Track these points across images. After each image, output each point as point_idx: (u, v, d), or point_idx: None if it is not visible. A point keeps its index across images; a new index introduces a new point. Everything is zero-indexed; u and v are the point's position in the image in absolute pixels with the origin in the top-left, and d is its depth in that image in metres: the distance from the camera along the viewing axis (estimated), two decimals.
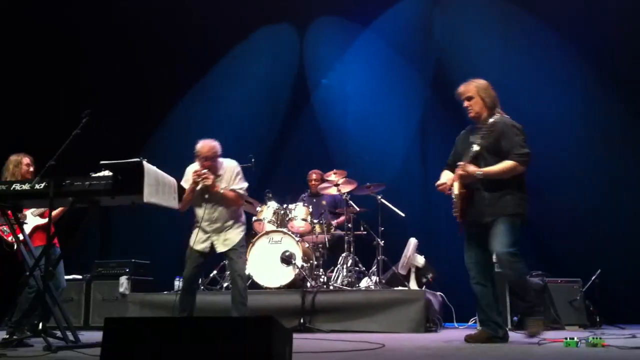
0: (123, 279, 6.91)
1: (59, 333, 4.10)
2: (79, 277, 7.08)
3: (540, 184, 7.69)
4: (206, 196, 5.25)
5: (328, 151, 8.45)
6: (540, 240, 7.48)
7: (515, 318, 6.37)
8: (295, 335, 5.17)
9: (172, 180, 4.13)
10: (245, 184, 5.41)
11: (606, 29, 7.72)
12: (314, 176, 7.53)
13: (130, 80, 8.77)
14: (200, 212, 5.30)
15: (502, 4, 8.34)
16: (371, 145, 8.55)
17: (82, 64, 8.81)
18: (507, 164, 4.35)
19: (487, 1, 8.41)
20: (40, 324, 4.03)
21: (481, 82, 4.60)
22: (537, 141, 7.70)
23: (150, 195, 3.85)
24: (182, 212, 5.25)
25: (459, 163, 4.46)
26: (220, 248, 5.30)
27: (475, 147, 4.42)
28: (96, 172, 3.85)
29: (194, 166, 5.36)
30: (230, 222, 5.33)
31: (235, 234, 5.33)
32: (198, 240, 5.31)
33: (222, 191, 5.26)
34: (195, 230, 5.32)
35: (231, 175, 5.35)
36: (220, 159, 5.37)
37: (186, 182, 5.30)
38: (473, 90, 4.56)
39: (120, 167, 3.85)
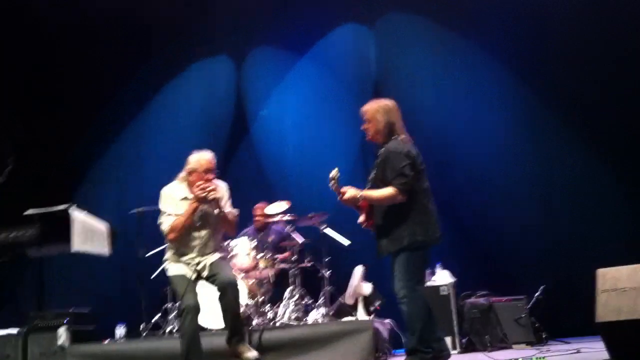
0: (61, 331, 6.59)
1: None
2: (14, 331, 6.74)
3: (482, 203, 7.82)
4: (199, 222, 4.71)
5: (269, 183, 8.38)
6: (483, 259, 7.56)
7: (463, 340, 6.39)
8: None
9: (103, 226, 3.96)
10: (237, 210, 4.98)
11: (539, 43, 7.89)
12: (258, 211, 7.42)
13: (58, 119, 8.52)
14: (188, 243, 4.75)
15: (434, 27, 8.49)
16: (312, 174, 8.51)
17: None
18: (386, 191, 4.26)
19: (421, 26, 8.54)
20: None
21: (382, 104, 4.49)
22: (476, 159, 7.95)
23: (79, 244, 3.68)
24: (175, 240, 4.69)
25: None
26: (204, 271, 4.78)
27: (371, 177, 4.43)
28: (17, 223, 3.67)
29: (171, 187, 4.85)
30: (217, 249, 4.90)
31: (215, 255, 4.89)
32: (186, 269, 4.78)
33: (227, 210, 4.73)
34: (177, 263, 4.79)
35: (224, 197, 4.86)
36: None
37: (171, 205, 4.72)
38: (370, 112, 4.48)
39: (46, 216, 3.68)
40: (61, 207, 3.72)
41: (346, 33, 8.85)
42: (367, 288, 6.72)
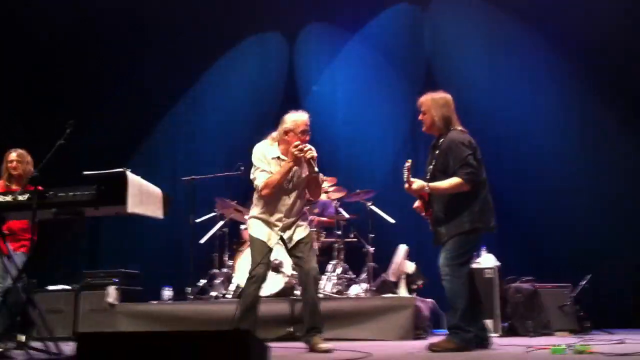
0: (111, 289, 6.83)
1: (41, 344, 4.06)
2: (68, 287, 7.02)
3: (531, 189, 7.73)
4: (290, 185, 4.59)
5: (318, 158, 8.44)
6: (530, 245, 7.50)
7: (505, 324, 6.37)
8: (283, 345, 5.23)
9: (157, 190, 4.09)
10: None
11: (591, 31, 7.73)
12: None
13: (117, 88, 8.73)
14: (275, 203, 4.61)
15: (488, 9, 8.38)
16: (361, 152, 8.55)
17: (75, 68, 8.72)
18: (453, 180, 4.33)
19: (473, 7, 8.45)
20: (24, 336, 4.00)
21: (438, 97, 4.54)
22: (527, 145, 7.85)
23: (134, 206, 3.81)
24: (267, 197, 4.55)
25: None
26: (290, 242, 4.65)
27: (430, 167, 4.50)
28: (79, 183, 3.81)
29: (263, 145, 4.70)
30: (301, 217, 4.74)
31: (305, 230, 4.72)
32: (269, 234, 4.64)
33: (320, 175, 4.59)
34: (261, 223, 4.66)
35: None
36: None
37: (263, 162, 4.60)
38: (426, 104, 4.54)
39: (103, 177, 3.81)
40: (117, 170, 3.86)
41: (398, 13, 8.80)
42: (410, 266, 6.75)
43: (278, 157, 4.68)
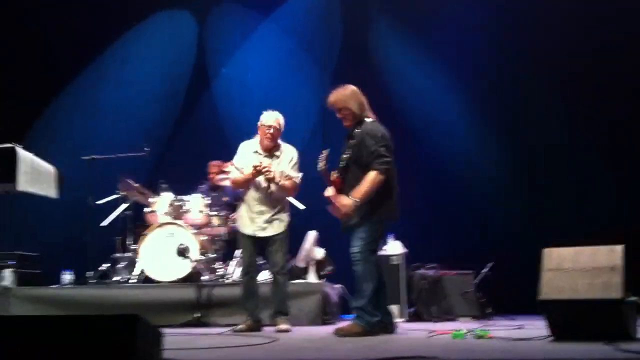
0: (7, 272, 6.47)
1: None
2: None
3: (437, 178, 7.89)
4: (256, 188, 5.14)
5: (227, 141, 8.29)
6: (434, 232, 7.64)
7: (411, 309, 6.49)
8: (189, 330, 5.13)
9: (51, 168, 3.87)
10: (300, 174, 5.22)
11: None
12: (213, 168, 7.32)
13: (14, 58, 8.21)
14: (250, 193, 5.15)
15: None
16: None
17: None
18: (370, 176, 4.42)
19: None
20: None
21: (348, 91, 4.65)
22: (433, 134, 7.99)
23: (25, 184, 3.60)
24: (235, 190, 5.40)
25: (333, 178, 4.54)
26: (262, 233, 5.14)
27: (344, 157, 4.58)
28: None
29: (250, 141, 5.27)
30: (279, 206, 5.18)
31: (281, 219, 5.19)
32: (245, 224, 5.19)
33: (280, 183, 5.09)
34: (243, 212, 5.21)
35: (289, 161, 5.19)
36: (280, 141, 5.25)
37: (240, 162, 5.19)
38: (341, 100, 4.62)
39: None
40: (7, 145, 3.62)
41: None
42: (319, 253, 6.75)
43: (257, 151, 5.25)
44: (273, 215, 5.17)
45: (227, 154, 7.16)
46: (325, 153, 4.51)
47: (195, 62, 8.89)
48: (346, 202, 4.44)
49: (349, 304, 6.77)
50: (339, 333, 4.41)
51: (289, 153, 5.26)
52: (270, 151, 5.23)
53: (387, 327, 4.59)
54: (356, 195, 4.42)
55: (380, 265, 4.73)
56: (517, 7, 7.72)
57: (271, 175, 5.06)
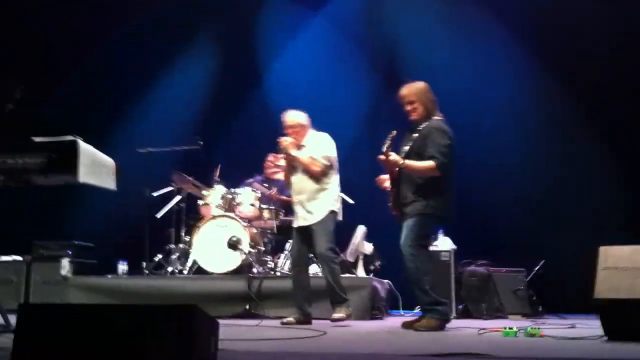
0: (65, 261, 6.67)
1: None
2: (19, 258, 6.83)
3: (487, 175, 7.78)
4: (293, 167, 5.31)
5: (277, 135, 8.37)
6: (485, 230, 7.55)
7: (460, 306, 6.44)
8: (239, 322, 5.21)
9: (110, 161, 3.97)
10: (330, 154, 5.29)
11: (559, 25, 7.78)
12: (270, 158, 7.36)
13: (80, 57, 8.48)
14: (292, 184, 5.35)
15: None
16: (321, 130, 8.46)
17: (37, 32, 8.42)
18: (427, 163, 4.54)
19: None
20: None
21: (421, 86, 4.78)
22: (485, 132, 7.89)
23: (85, 176, 3.69)
24: (287, 184, 5.52)
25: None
26: (303, 222, 5.23)
27: (405, 148, 4.68)
28: (24, 150, 3.67)
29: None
30: (316, 194, 5.23)
31: (319, 208, 5.22)
32: (294, 217, 5.36)
33: (294, 154, 5.22)
34: (293, 206, 5.40)
35: (316, 145, 5.31)
36: (311, 131, 5.40)
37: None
38: (414, 94, 4.73)
39: (53, 145, 3.68)
40: (69, 137, 3.73)
41: None
42: (368, 247, 6.77)
43: None
44: (310, 205, 5.23)
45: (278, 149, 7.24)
46: (393, 134, 4.55)
47: (247, 56, 8.97)
48: (395, 156, 4.55)
49: (398, 300, 6.82)
50: (418, 328, 4.45)
51: (316, 138, 5.38)
52: (299, 147, 5.36)
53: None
54: (407, 162, 4.56)
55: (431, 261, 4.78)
56: None
57: (282, 145, 5.25)
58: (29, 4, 8.33)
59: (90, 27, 8.56)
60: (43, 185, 3.92)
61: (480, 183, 7.79)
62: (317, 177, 5.25)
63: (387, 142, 4.53)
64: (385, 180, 4.81)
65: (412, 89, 4.76)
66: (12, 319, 3.77)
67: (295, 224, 5.34)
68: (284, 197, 7.01)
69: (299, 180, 5.30)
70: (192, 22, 8.96)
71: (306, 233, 5.25)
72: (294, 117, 5.41)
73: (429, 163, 4.53)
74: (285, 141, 5.30)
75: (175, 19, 8.72)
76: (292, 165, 5.34)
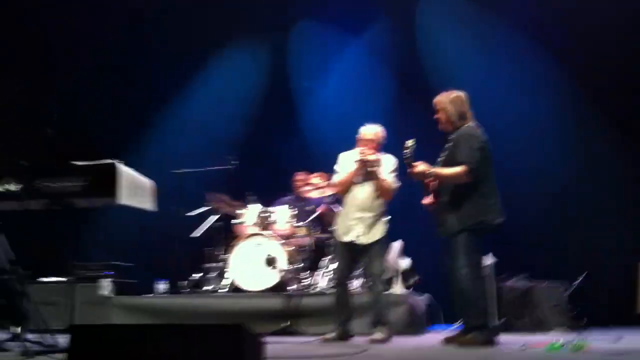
0: (105, 282, 6.76)
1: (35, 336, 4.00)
2: (62, 279, 6.93)
3: (526, 186, 7.69)
4: (361, 183, 5.19)
5: (309, 153, 8.38)
6: (525, 243, 7.45)
7: (501, 320, 6.33)
8: (277, 339, 5.20)
9: (149, 182, 4.04)
10: (396, 181, 5.25)
11: (580, 34, 7.72)
12: (299, 177, 7.40)
13: (107, 79, 8.65)
14: (349, 198, 5.22)
15: (478, 9, 8.33)
16: (351, 148, 8.48)
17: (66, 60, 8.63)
18: (455, 169, 4.47)
19: (464, 9, 8.39)
20: (19, 328, 3.92)
21: (452, 95, 4.72)
22: (518, 143, 7.82)
23: (124, 198, 3.77)
24: (341, 193, 5.36)
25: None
26: (362, 240, 5.14)
27: (440, 160, 4.65)
28: (67, 174, 3.75)
29: (348, 154, 5.33)
30: (377, 215, 5.19)
31: (379, 228, 5.19)
32: (343, 232, 5.22)
33: (380, 176, 5.12)
34: (340, 220, 5.28)
35: (387, 168, 5.22)
36: (380, 153, 5.29)
37: (342, 166, 5.31)
38: (441, 102, 4.70)
39: (93, 168, 3.76)
40: (108, 160, 3.81)
41: (392, 18, 8.70)
42: (404, 263, 6.71)
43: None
44: (371, 223, 5.16)
45: (310, 167, 7.27)
46: (410, 143, 4.49)
47: (280, 77, 9.03)
48: (422, 167, 4.51)
49: (439, 313, 6.74)
50: (463, 343, 4.38)
51: (387, 161, 5.27)
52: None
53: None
54: (435, 170, 4.53)
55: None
56: None
57: (372, 157, 5.12)
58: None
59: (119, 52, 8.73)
60: (83, 207, 4.00)
61: (518, 195, 7.70)
62: (382, 199, 5.21)
63: (406, 153, 4.48)
64: (429, 201, 4.72)
65: (441, 97, 4.73)
66: (57, 338, 3.84)
67: (347, 239, 5.22)
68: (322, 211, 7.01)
69: (365, 197, 5.18)
70: (227, 41, 9.06)
71: (356, 250, 5.19)
72: (373, 130, 5.31)
73: (458, 168, 4.45)
74: (371, 156, 5.14)
75: (204, 37, 8.82)
76: (356, 178, 5.21)
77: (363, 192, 5.19)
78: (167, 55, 8.77)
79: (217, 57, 9.11)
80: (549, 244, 7.50)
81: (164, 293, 6.79)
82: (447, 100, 4.68)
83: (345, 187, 5.27)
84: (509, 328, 6.22)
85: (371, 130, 5.30)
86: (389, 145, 7.96)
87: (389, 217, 5.33)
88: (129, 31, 8.67)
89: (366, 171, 5.16)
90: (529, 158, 7.79)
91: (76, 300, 6.68)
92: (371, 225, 5.16)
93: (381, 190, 5.17)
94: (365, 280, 5.38)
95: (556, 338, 4.70)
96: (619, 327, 5.87)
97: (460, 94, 4.73)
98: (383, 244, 5.24)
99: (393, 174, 5.23)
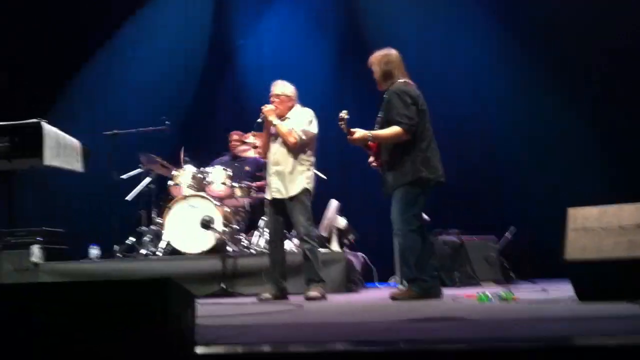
0: (35, 248, 6.56)
1: None
2: None
3: (457, 143, 7.83)
4: (275, 139, 5.25)
5: (245, 113, 8.30)
6: (456, 198, 7.60)
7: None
8: (215, 300, 5.19)
9: (76, 142, 3.91)
10: (310, 130, 5.21)
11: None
12: (235, 137, 7.32)
13: (30, 37, 8.26)
14: (269, 155, 5.29)
15: None
16: None
17: None
18: (392, 129, 4.53)
19: None
20: None
21: (382, 53, 4.77)
22: (455, 99, 7.94)
23: (51, 159, 3.64)
24: (263, 153, 5.42)
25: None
26: (280, 195, 5.17)
27: (377, 124, 4.70)
28: None
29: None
30: (295, 169, 5.18)
31: (295, 183, 5.16)
32: (267, 189, 5.30)
33: (274, 122, 5.18)
34: (266, 179, 5.35)
35: (299, 119, 5.23)
36: (297, 106, 5.35)
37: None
38: (373, 61, 4.77)
39: (17, 128, 3.61)
40: (33, 120, 3.66)
41: None
42: (341, 221, 6.78)
43: None
44: (289, 177, 5.17)
45: (246, 126, 7.21)
46: (343, 114, 4.54)
47: (213, 35, 8.86)
48: (360, 132, 4.57)
49: (373, 272, 6.87)
50: (395, 297, 4.49)
51: (300, 113, 5.31)
52: (282, 118, 5.29)
53: (434, 291, 4.59)
54: (373, 133, 4.59)
55: (424, 231, 4.70)
56: None
57: (265, 109, 5.21)
58: None
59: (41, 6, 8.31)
60: (6, 169, 3.85)
61: (450, 150, 7.84)
62: (294, 151, 5.20)
63: (341, 124, 4.53)
64: (375, 161, 4.78)
65: (372, 58, 4.78)
66: None
67: (269, 196, 5.27)
68: (259, 183, 6.99)
69: (278, 152, 5.24)
70: None
71: (281, 206, 5.21)
72: (280, 87, 5.36)
73: (395, 129, 4.50)
74: (267, 107, 5.25)
75: None
76: (271, 135, 5.29)
77: (276, 147, 5.27)
78: (95, 5, 8.39)
79: (149, 11, 8.83)
80: (480, 198, 7.68)
81: (97, 258, 6.66)
82: (376, 59, 4.74)
83: (265, 146, 5.39)
84: (441, 282, 6.36)
85: (277, 87, 5.37)
86: (327, 103, 8.02)
87: (312, 171, 5.33)
88: None
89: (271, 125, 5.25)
90: (461, 112, 7.91)
91: (4, 268, 6.50)
92: (290, 180, 5.17)
93: (284, 141, 5.20)
94: (298, 238, 5.40)
95: (486, 290, 4.88)
96: (547, 278, 6.12)
97: (389, 51, 4.76)
98: (305, 198, 5.19)
99: (305, 122, 5.24)
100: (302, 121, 5.24)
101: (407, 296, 4.48)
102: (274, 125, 5.23)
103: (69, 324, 1.93)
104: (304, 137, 5.18)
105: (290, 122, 5.25)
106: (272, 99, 5.34)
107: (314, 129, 5.27)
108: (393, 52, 4.78)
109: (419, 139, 4.56)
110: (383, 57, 4.73)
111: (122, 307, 1.92)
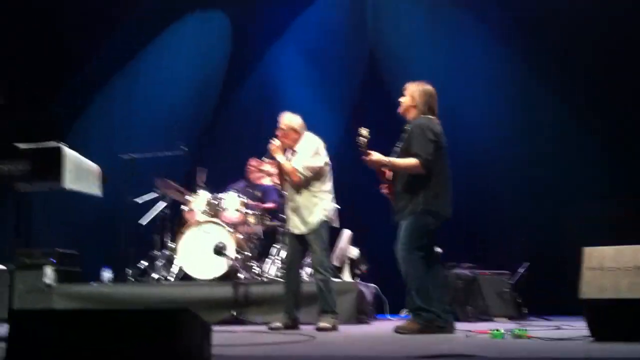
0: (48, 269, 6.59)
1: None
2: (2, 267, 6.73)
3: (471, 177, 7.81)
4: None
5: (261, 139, 8.35)
6: (470, 233, 7.59)
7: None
8: (226, 328, 5.18)
9: (95, 166, 3.95)
10: (313, 164, 5.15)
11: (537, 20, 7.87)
12: (252, 163, 7.32)
13: (51, 59, 8.37)
14: (286, 187, 5.33)
15: None
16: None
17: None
18: (410, 161, 4.56)
19: None
20: None
21: (422, 86, 4.79)
22: (467, 134, 7.94)
23: (70, 182, 3.68)
24: (282, 186, 5.39)
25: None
26: (298, 230, 5.19)
27: (397, 148, 4.72)
28: (9, 156, 3.64)
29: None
30: (307, 203, 5.16)
31: (312, 217, 5.14)
32: (287, 221, 5.32)
33: (279, 160, 5.19)
34: (286, 209, 5.36)
35: (304, 153, 5.19)
36: (306, 135, 5.29)
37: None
38: (410, 89, 4.78)
39: (37, 151, 3.66)
40: (53, 143, 3.71)
41: None
42: (354, 251, 6.77)
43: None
44: (305, 212, 5.17)
45: (263, 150, 7.23)
46: (364, 132, 4.56)
47: (229, 61, 8.95)
48: (377, 155, 4.60)
49: (384, 304, 6.83)
50: (399, 331, 4.46)
51: (303, 147, 5.24)
52: (292, 149, 5.31)
53: (445, 326, 4.55)
54: (391, 160, 4.62)
55: (438, 260, 4.76)
56: None
57: (272, 148, 5.24)
58: None
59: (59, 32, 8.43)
60: (26, 191, 3.89)
61: (464, 184, 7.83)
62: (304, 186, 5.18)
63: (360, 142, 4.55)
64: (386, 190, 4.80)
65: (413, 85, 4.80)
66: None
67: (288, 228, 5.32)
68: (268, 205, 7.00)
69: (290, 188, 5.25)
70: (177, 20, 8.91)
71: (300, 239, 5.22)
72: (286, 120, 5.31)
73: (413, 161, 4.54)
74: (274, 145, 5.26)
75: (152, 15, 8.64)
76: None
77: (289, 184, 5.27)
78: (112, 33, 8.52)
79: (167, 35, 8.95)
80: (495, 234, 7.65)
81: (109, 281, 6.68)
82: (416, 89, 4.75)
83: (280, 178, 5.40)
84: (454, 316, 6.32)
85: (283, 120, 5.33)
86: (341, 129, 7.98)
87: (331, 204, 5.31)
88: (68, 9, 8.38)
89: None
90: (476, 147, 7.90)
91: (17, 289, 6.51)
92: (307, 215, 5.16)
93: (288, 177, 5.20)
94: (312, 268, 5.38)
95: (499, 326, 4.84)
96: (560, 315, 6.06)
97: (428, 86, 4.80)
98: (322, 229, 5.17)
99: (309, 153, 5.19)
100: (306, 155, 5.19)
101: (411, 329, 4.45)
102: (277, 164, 5.26)
103: (89, 352, 1.94)
104: (307, 173, 5.16)
105: (297, 156, 5.23)
106: (278, 132, 5.32)
107: (319, 161, 5.20)
108: (432, 87, 4.82)
109: (435, 174, 4.60)
110: (427, 90, 4.76)
111: (142, 336, 1.93)
